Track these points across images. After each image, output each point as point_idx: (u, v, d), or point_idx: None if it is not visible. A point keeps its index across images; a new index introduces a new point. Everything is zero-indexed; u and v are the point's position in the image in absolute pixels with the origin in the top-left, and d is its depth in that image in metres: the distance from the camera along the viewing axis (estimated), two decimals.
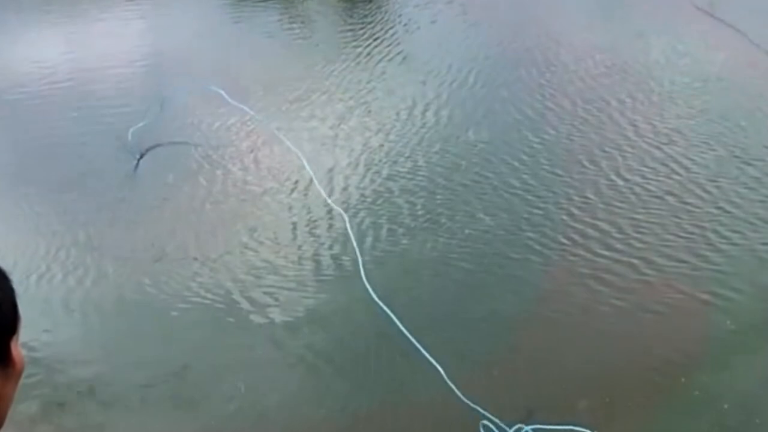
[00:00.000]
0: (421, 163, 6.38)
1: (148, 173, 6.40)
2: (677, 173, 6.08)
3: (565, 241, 5.40)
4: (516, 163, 6.28)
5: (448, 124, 6.93)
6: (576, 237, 5.43)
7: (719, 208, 5.66)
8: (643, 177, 6.04)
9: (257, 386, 4.46)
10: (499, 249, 5.38)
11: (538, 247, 5.35)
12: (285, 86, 7.57)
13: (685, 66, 7.63)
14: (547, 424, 4.03)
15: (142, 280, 5.27)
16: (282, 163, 6.44)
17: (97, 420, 4.34)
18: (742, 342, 4.60)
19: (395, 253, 5.40)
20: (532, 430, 4.02)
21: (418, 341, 4.55)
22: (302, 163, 6.32)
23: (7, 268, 1.24)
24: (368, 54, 8.28)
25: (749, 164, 6.14)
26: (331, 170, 6.32)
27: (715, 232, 5.42)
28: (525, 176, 6.12)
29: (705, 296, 4.87)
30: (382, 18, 9.26)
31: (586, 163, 6.24)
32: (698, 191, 5.85)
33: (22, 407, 4.27)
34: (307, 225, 5.72)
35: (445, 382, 4.28)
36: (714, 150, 6.34)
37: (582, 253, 5.28)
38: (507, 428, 4.02)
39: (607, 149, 6.42)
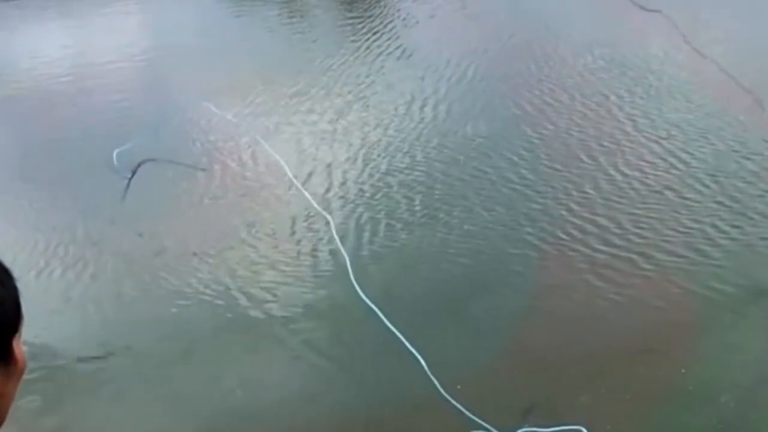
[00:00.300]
0: (419, 157, 6.37)
1: (147, 171, 6.39)
2: (676, 168, 6.08)
3: (563, 236, 5.40)
4: (514, 158, 6.28)
5: (447, 119, 6.93)
6: (575, 232, 5.43)
7: (718, 202, 5.67)
8: (642, 172, 6.04)
9: (254, 382, 4.46)
10: (497, 244, 5.38)
11: (536, 242, 5.36)
12: (284, 80, 7.56)
13: (683, 60, 7.62)
14: (543, 426, 4.00)
15: (141, 276, 5.27)
16: (267, 167, 6.44)
17: (97, 416, 4.35)
18: (740, 337, 4.60)
19: (393, 248, 5.39)
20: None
21: (413, 340, 4.51)
22: (285, 170, 6.24)
23: (6, 264, 1.24)
24: (367, 48, 8.28)
25: (748, 158, 6.14)
26: (329, 165, 6.31)
27: (714, 226, 5.42)
28: (523, 171, 6.12)
29: (704, 291, 4.88)
30: (381, 12, 9.25)
31: (585, 158, 6.24)
32: (697, 186, 5.86)
33: (23, 403, 4.28)
34: (305, 221, 5.71)
35: (435, 383, 4.25)
36: (713, 144, 6.34)
37: (581, 248, 5.28)
38: None
39: (605, 144, 6.42)
